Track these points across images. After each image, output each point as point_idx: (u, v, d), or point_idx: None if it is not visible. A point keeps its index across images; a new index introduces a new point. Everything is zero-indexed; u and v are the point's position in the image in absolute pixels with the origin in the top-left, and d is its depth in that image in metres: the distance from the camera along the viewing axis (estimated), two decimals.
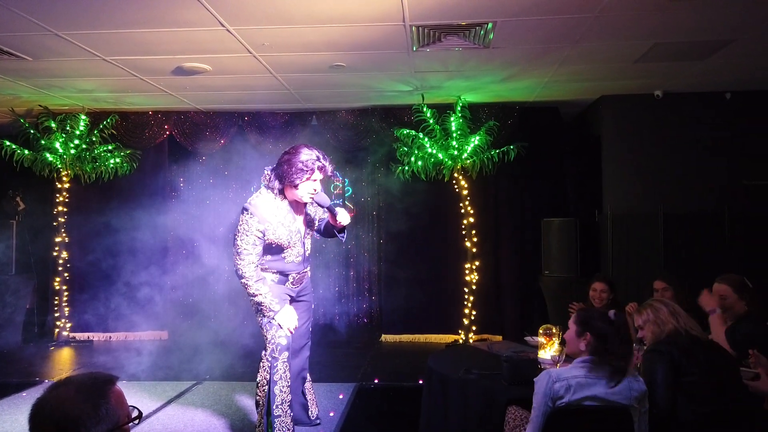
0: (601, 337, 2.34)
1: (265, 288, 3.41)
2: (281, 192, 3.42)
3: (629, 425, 2.23)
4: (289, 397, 3.48)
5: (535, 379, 2.34)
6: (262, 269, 3.47)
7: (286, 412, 3.44)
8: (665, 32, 4.35)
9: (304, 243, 3.59)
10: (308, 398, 3.88)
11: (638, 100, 6.20)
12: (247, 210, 3.36)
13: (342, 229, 3.64)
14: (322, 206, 3.55)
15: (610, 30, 4.28)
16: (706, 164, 6.10)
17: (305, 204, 3.56)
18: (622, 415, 2.21)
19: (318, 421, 3.95)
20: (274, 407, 3.41)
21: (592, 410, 2.21)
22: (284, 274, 3.55)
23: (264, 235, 3.36)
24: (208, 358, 5.71)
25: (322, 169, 3.39)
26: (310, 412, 3.88)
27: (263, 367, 3.51)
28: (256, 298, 3.39)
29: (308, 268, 3.76)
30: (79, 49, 4.57)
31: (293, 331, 3.51)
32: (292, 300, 3.65)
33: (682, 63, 5.15)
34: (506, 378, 2.99)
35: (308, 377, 3.91)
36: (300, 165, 3.32)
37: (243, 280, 3.37)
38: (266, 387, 3.45)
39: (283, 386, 3.44)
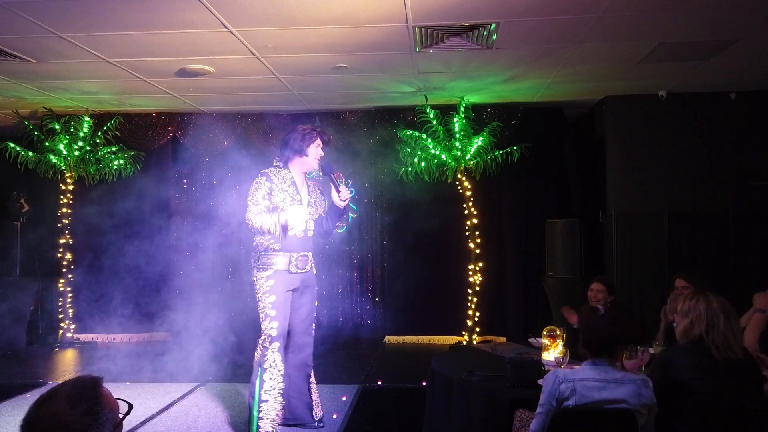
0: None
1: (266, 217, 3.60)
2: (286, 164, 3.84)
3: (634, 427, 2.21)
4: (282, 385, 3.66)
5: (541, 380, 2.33)
6: (268, 252, 3.71)
7: (275, 398, 3.63)
8: (669, 32, 4.33)
9: (306, 219, 3.81)
10: (313, 398, 3.97)
11: (642, 100, 6.17)
12: (260, 174, 3.80)
13: (344, 211, 3.87)
14: (326, 173, 3.80)
15: (614, 30, 4.26)
16: (711, 164, 6.07)
17: (306, 186, 3.91)
18: (627, 418, 2.19)
19: (322, 424, 3.98)
20: (262, 392, 3.61)
21: (596, 413, 2.20)
22: (288, 251, 3.73)
23: (271, 193, 3.70)
24: (211, 360, 5.70)
25: (322, 133, 3.86)
26: (314, 413, 3.96)
27: (256, 354, 3.74)
28: (264, 225, 3.58)
29: (311, 255, 3.92)
30: (83, 51, 4.58)
31: (295, 221, 3.66)
32: (296, 291, 3.81)
33: (686, 63, 5.13)
34: (510, 380, 2.98)
35: (312, 376, 3.98)
36: (303, 133, 3.82)
37: (250, 225, 3.63)
38: (257, 373, 3.67)
39: (273, 374, 3.64)
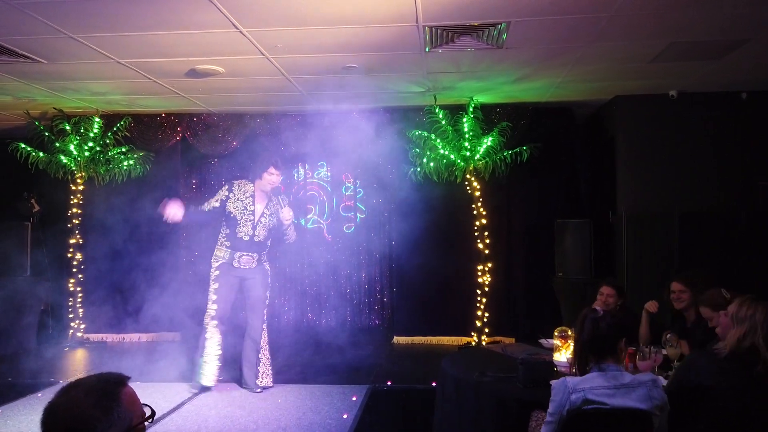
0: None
1: (195, 210, 4.77)
2: (252, 181, 4.77)
3: (649, 429, 2.19)
4: (219, 353, 4.73)
5: (552, 384, 2.30)
6: (221, 246, 4.73)
7: (212, 361, 4.71)
8: (681, 32, 4.30)
9: (255, 226, 4.67)
10: (260, 369, 4.78)
11: (653, 100, 6.14)
12: (227, 182, 4.85)
13: (287, 227, 4.79)
14: (276, 195, 4.83)
15: (625, 30, 4.24)
16: (722, 164, 6.03)
17: (267, 200, 4.76)
18: (643, 418, 2.17)
19: (259, 390, 4.77)
20: (203, 356, 4.72)
21: (610, 413, 2.18)
22: (233, 249, 4.68)
23: (227, 200, 4.68)
24: (223, 359, 5.70)
25: (277, 165, 4.69)
26: (258, 381, 4.78)
27: (204, 326, 4.77)
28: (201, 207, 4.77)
29: (256, 256, 4.71)
30: (94, 52, 4.60)
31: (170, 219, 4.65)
32: (245, 280, 4.74)
33: (697, 63, 5.09)
34: (521, 381, 2.96)
35: (262, 351, 4.79)
36: (261, 160, 4.75)
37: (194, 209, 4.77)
38: (201, 342, 4.75)
39: (211, 344, 4.71)
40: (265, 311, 4.83)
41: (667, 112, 6.13)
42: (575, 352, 2.41)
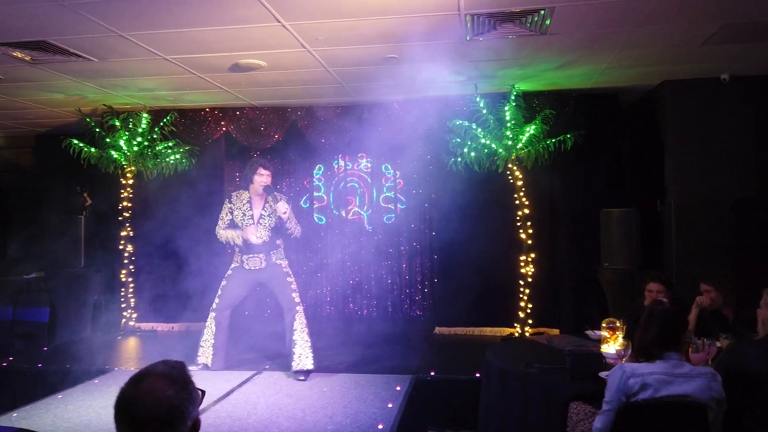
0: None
1: (225, 232, 5.03)
2: (247, 188, 5.11)
3: (704, 421, 2.14)
4: (213, 341, 5.11)
5: (607, 373, 2.28)
6: (233, 251, 5.18)
7: (208, 347, 5.12)
8: (734, 12, 4.13)
9: (257, 228, 4.96)
10: (295, 352, 4.94)
11: (703, 84, 5.93)
12: (227, 197, 5.23)
13: (285, 221, 4.92)
14: (268, 193, 4.96)
15: (675, 11, 4.10)
16: None
17: (263, 201, 5.02)
18: (698, 411, 2.12)
19: (302, 377, 4.91)
20: (202, 341, 5.14)
21: (665, 405, 2.14)
22: (242, 253, 5.05)
23: (232, 212, 5.05)
24: (267, 348, 5.83)
25: (264, 166, 4.98)
26: (294, 364, 4.94)
27: None
28: (228, 238, 5.02)
29: (263, 256, 4.98)
30: (142, 49, 4.72)
31: (250, 238, 4.89)
32: (261, 283, 5.19)
33: (751, 45, 4.89)
34: (569, 372, 2.93)
35: (299, 334, 4.97)
36: (249, 165, 5.06)
37: (218, 237, 5.10)
38: (205, 330, 5.15)
39: (209, 333, 5.12)
40: (293, 295, 5.04)
41: (718, 96, 5.92)
42: (641, 344, 2.37)
